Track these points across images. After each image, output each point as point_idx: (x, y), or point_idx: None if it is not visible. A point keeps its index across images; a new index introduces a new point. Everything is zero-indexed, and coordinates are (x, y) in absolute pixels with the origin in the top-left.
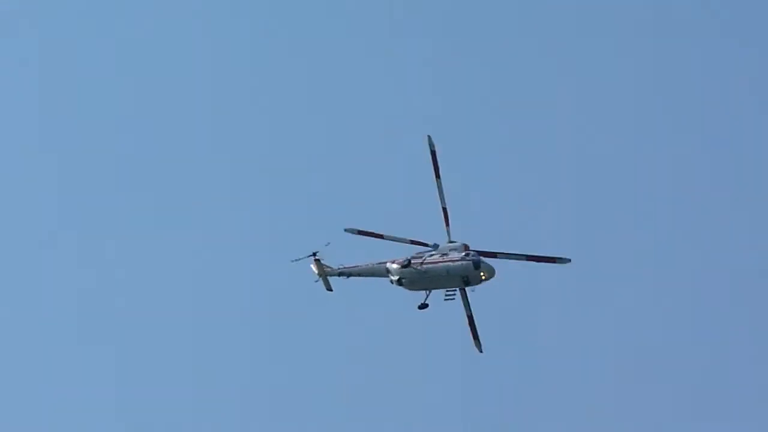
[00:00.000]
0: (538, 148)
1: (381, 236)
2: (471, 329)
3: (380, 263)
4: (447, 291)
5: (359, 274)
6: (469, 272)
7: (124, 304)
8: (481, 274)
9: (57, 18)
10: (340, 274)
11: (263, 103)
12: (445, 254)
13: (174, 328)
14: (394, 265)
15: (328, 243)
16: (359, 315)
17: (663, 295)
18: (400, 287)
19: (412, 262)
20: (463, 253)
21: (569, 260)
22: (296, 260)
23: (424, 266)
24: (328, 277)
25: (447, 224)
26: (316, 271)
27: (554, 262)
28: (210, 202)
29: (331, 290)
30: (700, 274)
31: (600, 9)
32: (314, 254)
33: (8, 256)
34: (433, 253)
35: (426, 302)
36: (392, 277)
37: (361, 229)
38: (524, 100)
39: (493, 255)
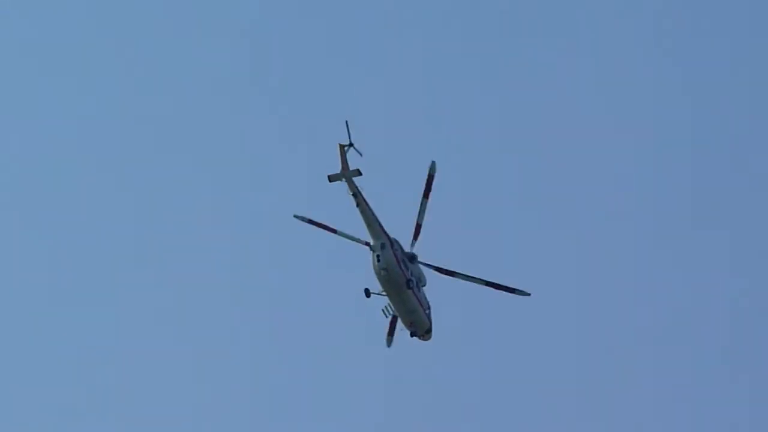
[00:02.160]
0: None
1: (334, 231)
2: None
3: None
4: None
5: (364, 212)
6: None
7: None
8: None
9: None
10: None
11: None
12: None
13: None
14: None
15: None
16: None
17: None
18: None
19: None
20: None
21: (528, 294)
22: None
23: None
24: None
25: (415, 238)
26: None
27: (513, 292)
28: None
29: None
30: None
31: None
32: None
33: None
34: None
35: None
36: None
37: (312, 218)
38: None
39: (452, 273)
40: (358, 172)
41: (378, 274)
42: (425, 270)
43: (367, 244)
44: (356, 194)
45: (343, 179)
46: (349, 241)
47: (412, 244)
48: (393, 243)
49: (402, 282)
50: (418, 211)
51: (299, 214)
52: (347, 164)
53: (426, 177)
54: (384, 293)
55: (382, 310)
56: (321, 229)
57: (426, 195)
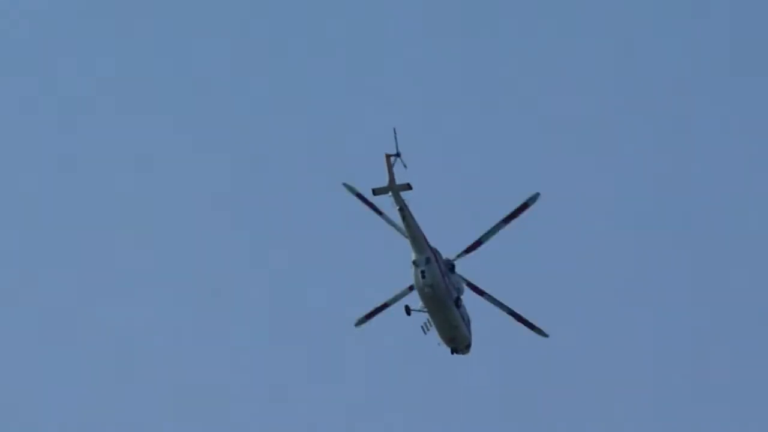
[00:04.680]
0: None
1: (380, 212)
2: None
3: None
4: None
5: (410, 227)
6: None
7: None
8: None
9: None
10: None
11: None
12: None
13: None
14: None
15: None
16: None
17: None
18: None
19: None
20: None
21: (547, 335)
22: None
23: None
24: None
25: (466, 252)
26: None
27: (533, 329)
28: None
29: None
30: None
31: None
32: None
33: None
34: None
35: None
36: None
37: (360, 192)
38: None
39: (481, 293)
40: (408, 187)
41: (421, 290)
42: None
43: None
44: (403, 208)
45: (390, 193)
46: (393, 229)
47: (459, 255)
48: (436, 255)
49: (446, 299)
50: (488, 229)
51: (349, 183)
52: (394, 177)
53: (521, 204)
54: (425, 310)
55: (422, 327)
56: (367, 208)
57: (508, 220)
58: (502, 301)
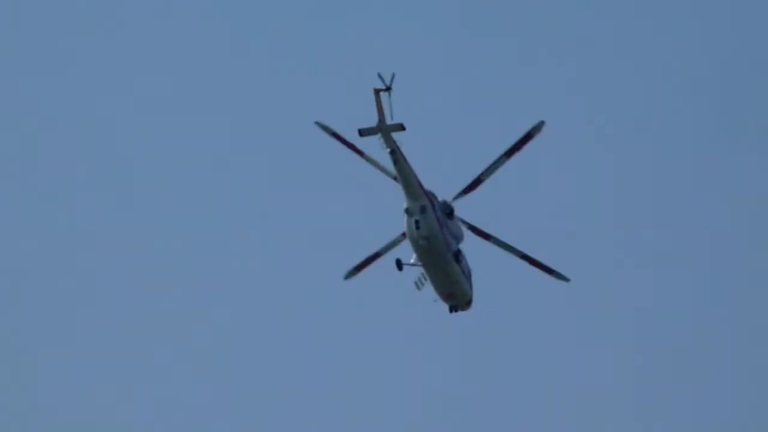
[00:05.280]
0: None
1: (361, 153)
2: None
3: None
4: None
5: (403, 171)
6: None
7: None
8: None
9: None
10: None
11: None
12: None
13: None
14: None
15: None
16: None
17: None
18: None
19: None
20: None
21: (568, 279)
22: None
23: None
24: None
25: (465, 193)
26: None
27: (551, 274)
28: None
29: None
30: None
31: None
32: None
33: None
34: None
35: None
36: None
37: (335, 130)
38: None
39: (487, 237)
40: (401, 127)
41: (415, 242)
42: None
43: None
44: (394, 151)
45: (380, 134)
46: (378, 171)
47: (456, 197)
48: (432, 201)
49: (444, 251)
50: (489, 164)
51: (322, 122)
52: (384, 115)
53: (524, 134)
54: (419, 263)
55: (415, 282)
56: (345, 148)
57: (510, 153)
58: (511, 244)
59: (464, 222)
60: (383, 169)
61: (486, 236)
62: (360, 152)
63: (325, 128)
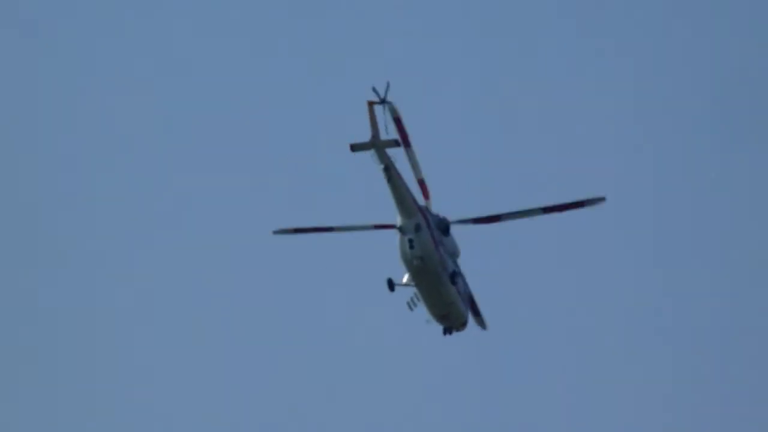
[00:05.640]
0: None
1: (329, 229)
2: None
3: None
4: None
5: (397, 188)
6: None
7: None
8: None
9: None
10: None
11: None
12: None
13: None
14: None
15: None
16: None
17: None
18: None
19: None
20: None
21: (603, 198)
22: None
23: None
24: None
25: (426, 197)
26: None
27: (584, 205)
28: None
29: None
30: None
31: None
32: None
33: None
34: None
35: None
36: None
37: (297, 227)
38: None
39: (496, 218)
40: (396, 143)
41: (409, 262)
42: (461, 230)
43: (385, 226)
44: (388, 167)
45: (374, 150)
46: (350, 231)
47: (426, 204)
48: (427, 217)
49: (440, 272)
50: (411, 166)
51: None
52: (378, 130)
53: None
54: (412, 284)
55: (408, 303)
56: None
57: (406, 143)
58: (526, 209)
59: (466, 221)
60: (358, 227)
61: (496, 219)
62: (329, 229)
63: (285, 231)
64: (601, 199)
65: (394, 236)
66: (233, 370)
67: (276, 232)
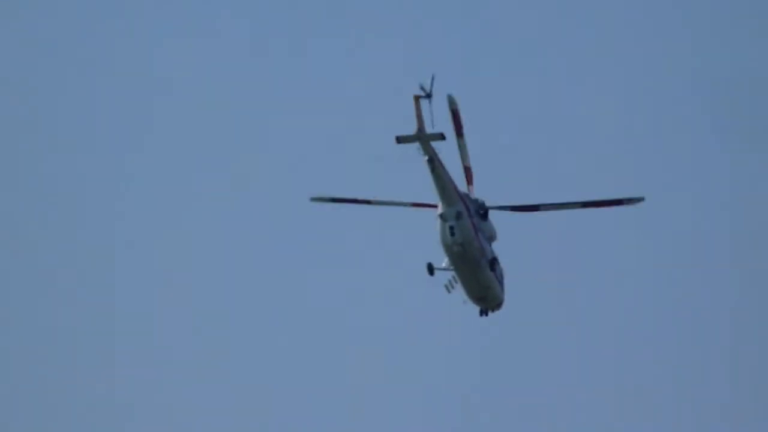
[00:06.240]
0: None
1: (368, 201)
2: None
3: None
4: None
5: (440, 178)
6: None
7: None
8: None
9: None
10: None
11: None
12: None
13: None
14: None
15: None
16: None
17: None
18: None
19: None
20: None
21: (642, 198)
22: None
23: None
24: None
25: (470, 183)
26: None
27: (621, 204)
28: None
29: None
30: None
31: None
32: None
33: None
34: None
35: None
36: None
37: (334, 196)
38: None
39: (534, 208)
40: (441, 137)
41: (449, 248)
42: (499, 216)
43: (424, 205)
44: (432, 159)
45: (419, 142)
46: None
47: (468, 191)
48: (467, 204)
49: (479, 258)
50: (460, 154)
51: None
52: (423, 123)
53: (450, 114)
54: (451, 267)
55: (445, 286)
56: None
57: (459, 133)
58: (564, 201)
59: (504, 207)
60: (396, 203)
61: (534, 208)
62: (367, 201)
63: (322, 199)
64: (640, 199)
65: (431, 216)
66: (259, 341)
67: (314, 199)
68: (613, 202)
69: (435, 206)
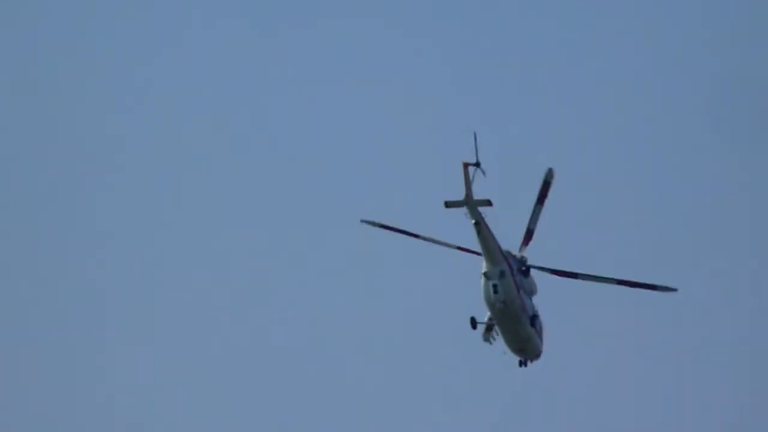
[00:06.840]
0: None
1: (415, 235)
2: None
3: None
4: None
5: (486, 240)
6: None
7: None
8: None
9: None
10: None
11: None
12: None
13: None
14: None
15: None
16: None
17: None
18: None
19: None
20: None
21: (675, 289)
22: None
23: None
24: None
25: (525, 244)
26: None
27: (655, 289)
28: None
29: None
30: None
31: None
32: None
33: None
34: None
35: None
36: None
37: (384, 223)
38: None
39: (573, 275)
40: (488, 203)
41: (492, 305)
42: (538, 275)
43: (469, 250)
44: (479, 222)
45: (467, 207)
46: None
47: (521, 249)
48: (510, 263)
49: (520, 314)
50: (530, 216)
51: (368, 219)
52: (471, 190)
53: (541, 183)
54: (493, 322)
55: (487, 338)
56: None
57: (541, 201)
58: (602, 275)
59: (544, 268)
60: (443, 243)
61: (573, 275)
62: (415, 235)
63: (372, 223)
64: (674, 289)
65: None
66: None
67: (364, 221)
68: (646, 286)
69: (479, 254)
